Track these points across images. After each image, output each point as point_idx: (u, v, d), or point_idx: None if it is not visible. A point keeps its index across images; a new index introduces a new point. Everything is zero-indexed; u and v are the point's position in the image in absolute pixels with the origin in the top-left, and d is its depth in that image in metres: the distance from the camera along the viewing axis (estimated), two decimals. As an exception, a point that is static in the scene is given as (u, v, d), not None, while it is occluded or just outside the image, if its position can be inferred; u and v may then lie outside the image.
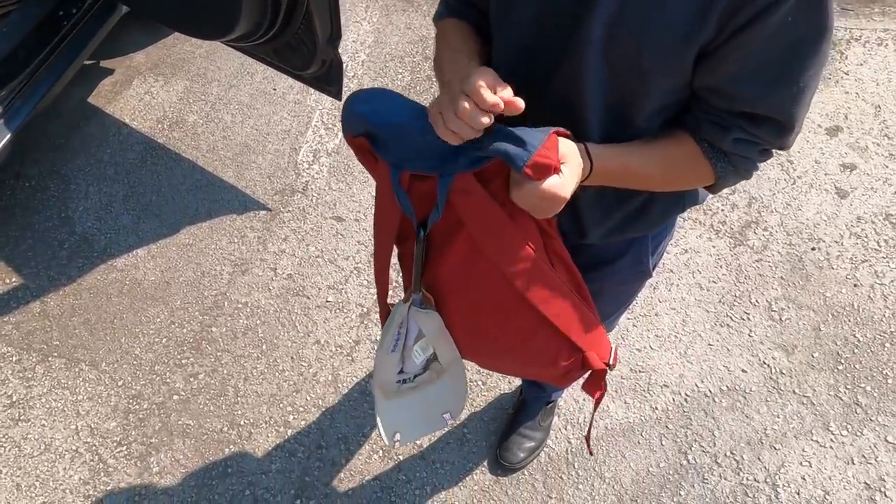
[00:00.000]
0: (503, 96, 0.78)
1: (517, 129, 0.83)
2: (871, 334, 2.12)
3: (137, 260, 2.39)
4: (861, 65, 2.81)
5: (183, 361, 2.15)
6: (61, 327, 2.23)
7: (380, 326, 2.18)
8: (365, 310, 2.24)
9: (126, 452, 1.99)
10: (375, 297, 2.25)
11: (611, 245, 1.14)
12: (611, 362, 1.01)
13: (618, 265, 1.21)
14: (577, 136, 0.96)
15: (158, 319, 2.25)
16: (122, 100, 2.87)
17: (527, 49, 0.95)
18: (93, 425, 2.04)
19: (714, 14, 0.79)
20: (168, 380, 2.12)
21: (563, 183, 0.83)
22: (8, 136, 2.25)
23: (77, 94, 2.87)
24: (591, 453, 1.21)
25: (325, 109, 2.80)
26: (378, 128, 0.89)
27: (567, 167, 0.83)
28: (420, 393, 1.19)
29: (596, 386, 1.03)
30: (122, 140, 2.73)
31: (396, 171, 0.90)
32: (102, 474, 1.95)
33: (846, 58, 2.85)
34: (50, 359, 2.16)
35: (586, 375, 1.06)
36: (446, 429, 1.96)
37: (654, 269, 1.27)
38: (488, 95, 0.77)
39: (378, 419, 1.22)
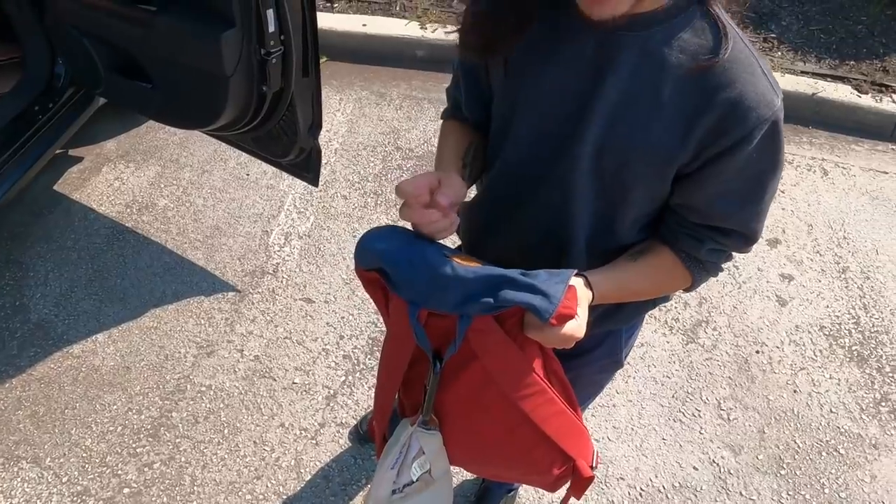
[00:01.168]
0: (438, 195, 0.90)
1: (537, 277, 0.88)
2: (810, 441, 2.13)
3: (96, 345, 2.27)
4: (794, 186, 3.00)
5: (138, 450, 2.00)
6: (3, 423, 2.07)
7: (346, 409, 2.07)
8: (331, 392, 2.12)
9: (67, 555, 1.80)
10: (342, 379, 2.15)
11: (587, 336, 1.16)
12: (594, 465, 1.06)
13: (593, 355, 1.27)
14: (566, 244, 1.07)
15: (115, 407, 2.11)
16: (89, 186, 2.83)
17: (522, 159, 1.03)
18: (31, 527, 1.85)
19: (693, 141, 0.90)
20: (119, 471, 1.95)
21: (580, 324, 0.90)
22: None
23: (43, 181, 2.83)
24: None
25: (297, 194, 2.79)
26: (395, 267, 0.92)
27: (581, 308, 0.90)
28: (409, 502, 1.19)
29: (580, 490, 1.06)
30: (88, 225, 2.67)
31: (415, 308, 0.93)
32: (38, 581, 1.75)
33: (781, 178, 2.97)
34: (-11, 453, 1.99)
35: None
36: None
37: (625, 360, 1.33)
38: (408, 190, 0.89)
39: None
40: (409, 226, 0.95)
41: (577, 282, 0.92)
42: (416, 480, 1.16)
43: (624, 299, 1.06)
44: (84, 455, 1.99)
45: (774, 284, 2.58)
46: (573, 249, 1.06)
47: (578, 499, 1.09)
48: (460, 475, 1.94)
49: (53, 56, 2.50)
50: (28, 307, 2.39)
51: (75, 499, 1.90)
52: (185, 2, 1.82)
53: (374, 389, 2.08)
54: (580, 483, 1.06)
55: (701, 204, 0.98)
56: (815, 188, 2.99)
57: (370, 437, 1.26)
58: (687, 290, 1.10)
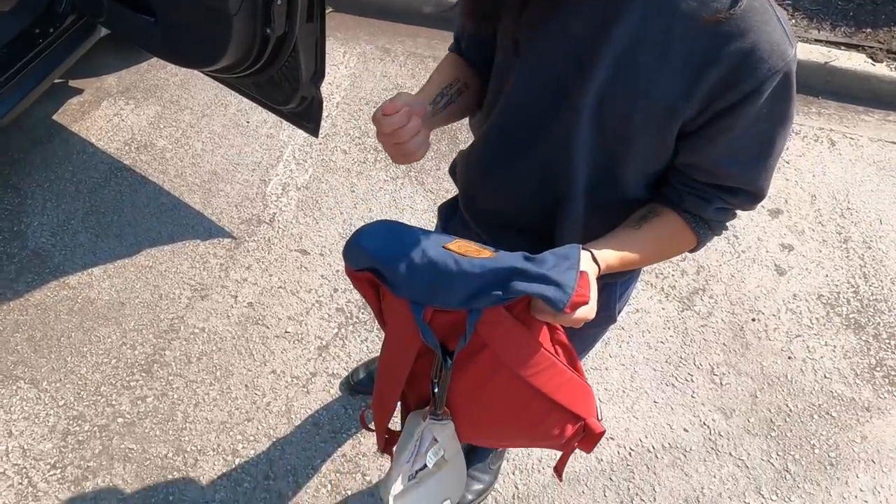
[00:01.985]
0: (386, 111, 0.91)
1: (545, 263, 0.87)
2: (802, 405, 2.23)
3: (92, 279, 2.34)
4: (800, 156, 3.05)
5: (132, 384, 2.09)
6: (2, 343, 2.15)
7: (337, 361, 2.18)
8: (323, 343, 2.23)
9: (60, 476, 1.90)
10: (335, 332, 2.25)
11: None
12: (600, 417, 1.07)
13: None
14: (564, 196, 1.06)
15: (109, 340, 2.19)
16: (89, 120, 2.84)
17: (521, 109, 1.03)
18: (26, 446, 1.94)
19: (699, 93, 0.89)
20: (114, 402, 2.05)
21: (592, 307, 0.89)
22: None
23: (42, 110, 2.84)
24: (560, 478, 1.25)
25: (297, 145, 2.84)
26: (392, 267, 0.90)
27: (592, 293, 0.89)
28: (423, 486, 1.20)
29: (592, 445, 1.08)
30: (87, 159, 2.70)
31: (419, 307, 0.91)
32: (30, 499, 1.85)
33: (787, 149, 3.08)
34: (-12, 373, 2.07)
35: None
36: None
37: (618, 315, 1.34)
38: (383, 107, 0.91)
39: None
40: (401, 219, 0.95)
41: (586, 261, 0.92)
42: (432, 466, 1.18)
43: (629, 267, 1.04)
44: (79, 382, 2.08)
45: (774, 254, 2.64)
46: (571, 201, 1.06)
47: (589, 452, 1.11)
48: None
49: (55, -22, 2.49)
50: (26, 234, 2.43)
51: (71, 422, 1.99)
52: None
53: (365, 344, 2.21)
54: (592, 438, 1.07)
55: (707, 163, 0.97)
56: (820, 159, 3.02)
57: (364, 424, 1.28)
58: (692, 251, 1.10)
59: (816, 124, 3.20)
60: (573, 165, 1.01)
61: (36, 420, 2.00)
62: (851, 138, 3.14)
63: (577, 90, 0.94)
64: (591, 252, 0.95)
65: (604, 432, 1.06)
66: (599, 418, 1.07)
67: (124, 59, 3.10)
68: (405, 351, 0.98)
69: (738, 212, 1.07)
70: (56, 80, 2.76)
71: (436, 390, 1.00)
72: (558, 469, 1.17)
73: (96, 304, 2.27)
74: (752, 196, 1.01)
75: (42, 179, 2.61)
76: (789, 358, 2.34)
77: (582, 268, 0.89)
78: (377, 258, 0.90)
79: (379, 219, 0.98)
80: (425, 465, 1.16)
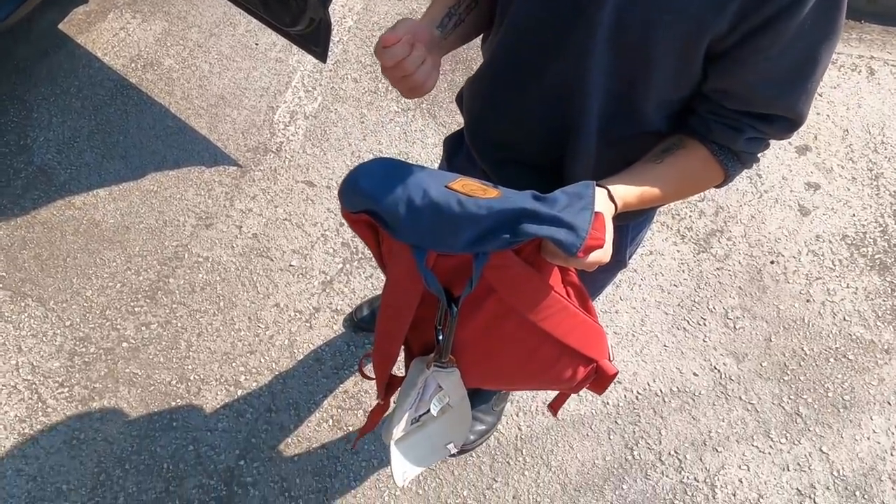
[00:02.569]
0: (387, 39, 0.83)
1: (557, 203, 0.81)
2: (818, 349, 2.21)
3: (97, 200, 2.31)
4: (834, 88, 2.89)
5: (136, 309, 2.09)
6: (10, 259, 2.14)
7: (342, 296, 2.16)
8: (328, 278, 2.21)
9: (67, 394, 1.93)
10: (340, 267, 2.23)
11: None
12: (611, 358, 1.03)
13: None
14: (576, 126, 0.97)
15: (114, 264, 2.17)
16: (95, 32, 2.74)
17: (532, 28, 0.93)
18: (35, 363, 1.97)
19: (731, 7, 0.78)
20: (119, 326, 2.05)
21: (607, 250, 0.82)
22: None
23: (47, 19, 2.74)
24: (555, 416, 1.23)
25: (306, 71, 2.74)
26: (392, 209, 0.83)
27: (608, 234, 0.83)
28: (426, 430, 1.18)
29: (604, 387, 1.04)
30: (93, 74, 2.62)
31: (421, 252, 0.85)
32: (41, 413, 1.89)
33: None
34: (-6, 292, 2.07)
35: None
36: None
37: (629, 260, 1.28)
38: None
39: (392, 463, 1.20)
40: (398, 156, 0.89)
41: (601, 200, 0.85)
42: (436, 412, 1.16)
43: (648, 206, 0.97)
44: (85, 304, 2.08)
45: (798, 193, 2.55)
46: (583, 132, 0.98)
47: (601, 394, 1.08)
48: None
49: None
50: (31, 149, 2.39)
51: (78, 343, 2.01)
52: None
53: (369, 280, 2.19)
54: (604, 380, 1.03)
55: (740, 87, 0.87)
56: (857, 90, 2.87)
57: (362, 373, 1.24)
58: (719, 186, 1.01)
59: (856, 52, 2.99)
60: (586, 91, 0.92)
61: (44, 338, 2.01)
62: (893, 66, 2.93)
63: (594, 3, 0.84)
64: (606, 189, 0.88)
65: (616, 374, 1.02)
66: (611, 359, 1.03)
67: (130, -30, 2.97)
68: (407, 298, 0.93)
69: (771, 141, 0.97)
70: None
71: (440, 338, 0.96)
72: (554, 407, 1.14)
73: (101, 226, 2.25)
74: (789, 123, 0.90)
75: (48, 93, 2.54)
76: (808, 301, 2.30)
77: (597, 208, 0.82)
78: (375, 200, 0.84)
79: (377, 157, 0.91)
80: (429, 411, 1.14)
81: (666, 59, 0.86)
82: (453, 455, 1.25)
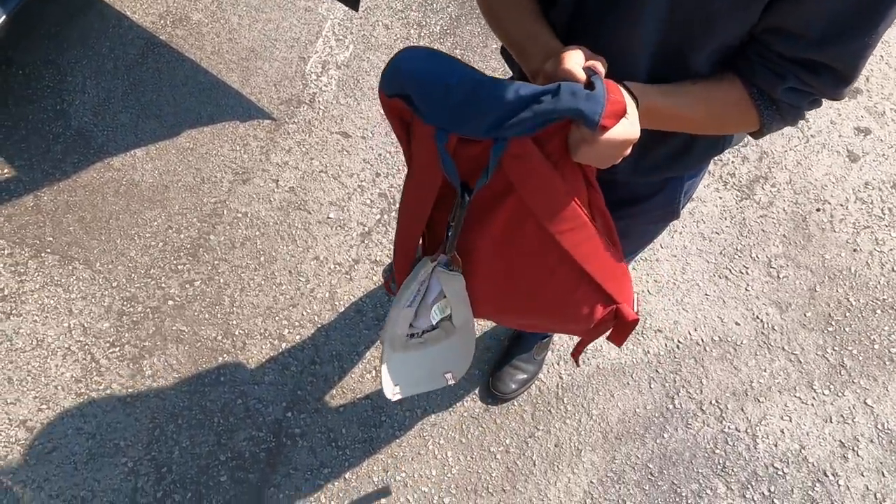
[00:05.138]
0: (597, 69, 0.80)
1: (573, 84, 0.78)
2: (864, 300, 2.14)
3: (135, 160, 2.33)
4: (891, 27, 2.72)
5: (179, 267, 2.13)
6: (55, 223, 2.19)
7: (380, 248, 2.17)
8: (366, 229, 2.21)
9: (119, 354, 1.99)
10: (378, 218, 2.22)
11: (646, 183, 1.11)
12: (636, 309, 1.00)
13: (650, 203, 1.19)
14: (622, 77, 0.92)
15: (155, 223, 2.21)
16: (122, -11, 2.72)
17: None
18: (86, 325, 2.03)
19: None
20: (163, 284, 2.10)
21: (633, 124, 0.79)
22: (3, 17, 2.13)
23: (75, -22, 2.72)
24: (577, 364, 1.23)
25: (336, 19, 2.68)
26: (426, 88, 0.83)
27: (629, 106, 0.80)
28: (426, 349, 1.17)
29: (623, 336, 1.02)
30: (123, 34, 2.61)
31: (443, 134, 0.84)
32: (95, 374, 1.96)
33: None
34: (43, 255, 2.13)
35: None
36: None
37: (682, 210, 1.25)
38: (573, 67, 0.80)
39: (383, 370, 1.21)
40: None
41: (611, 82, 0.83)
42: (436, 326, 1.14)
43: (672, 126, 0.95)
44: (130, 265, 2.13)
45: (847, 139, 2.44)
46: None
47: (620, 345, 1.06)
48: (489, 321, 2.08)
49: None
50: (69, 113, 2.41)
51: (125, 303, 2.06)
52: None
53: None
54: (623, 328, 1.01)
55: (796, 25, 0.82)
56: None
57: (387, 287, 1.24)
58: (755, 135, 0.97)
59: None
60: (639, 48, 0.89)
61: (93, 300, 2.07)
62: None
63: None
64: (624, 85, 0.85)
65: (637, 321, 0.99)
66: (636, 310, 1.00)
67: (154, -78, 2.91)
68: (427, 185, 0.92)
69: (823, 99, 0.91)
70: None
71: (449, 232, 0.95)
72: (575, 353, 1.12)
73: (140, 186, 2.28)
74: (838, 77, 0.86)
75: (80, 56, 2.55)
76: (854, 250, 2.23)
77: (608, 81, 0.80)
78: (415, 78, 0.84)
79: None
80: (433, 327, 1.12)
81: (727, 13, 0.82)
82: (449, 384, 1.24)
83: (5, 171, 2.27)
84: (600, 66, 0.81)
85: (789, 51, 0.85)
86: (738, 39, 0.88)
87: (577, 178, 0.88)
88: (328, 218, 2.23)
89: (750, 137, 1.02)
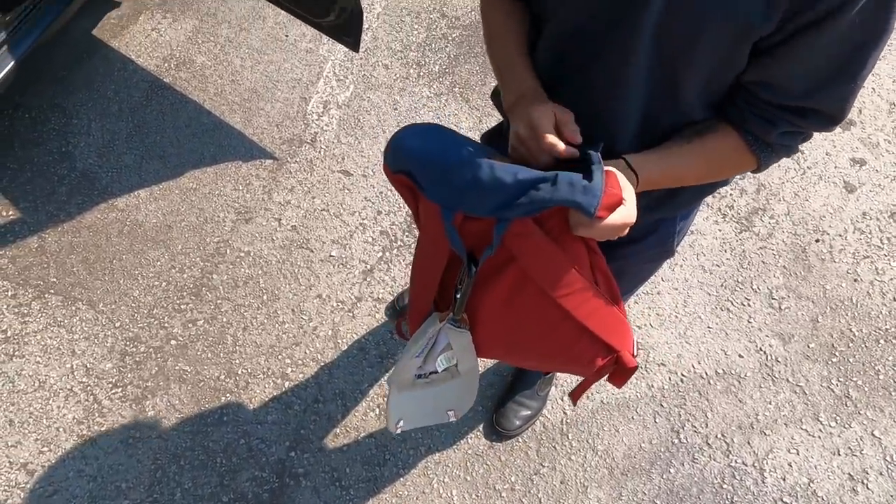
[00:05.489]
0: (567, 134, 0.87)
1: (571, 175, 0.83)
2: (867, 330, 2.14)
3: (139, 201, 2.35)
4: (881, 59, 2.77)
5: (182, 307, 2.13)
6: (59, 264, 2.20)
7: (383, 285, 2.17)
8: (368, 267, 2.22)
9: (121, 394, 1.98)
10: (379, 255, 2.24)
11: (639, 224, 1.12)
12: (635, 353, 1.03)
13: (644, 244, 1.21)
14: (616, 116, 0.96)
15: (158, 263, 2.22)
16: (128, 35, 2.78)
17: (578, 30, 0.93)
18: (88, 365, 2.03)
19: (780, 9, 0.78)
20: (166, 324, 2.10)
21: (630, 210, 0.84)
22: (12, 63, 2.18)
23: (82, 25, 2.78)
24: (574, 404, 1.25)
25: (337, 60, 2.73)
26: (428, 167, 0.88)
27: (626, 193, 0.84)
28: (432, 389, 1.20)
29: (623, 380, 1.04)
30: (127, 77, 2.66)
31: (449, 212, 0.88)
32: (97, 415, 1.95)
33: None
34: (46, 295, 2.14)
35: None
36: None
37: (676, 248, 1.27)
38: (554, 141, 0.87)
39: (388, 407, 1.24)
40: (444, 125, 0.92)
41: (615, 165, 0.88)
42: (442, 371, 1.17)
43: (675, 184, 0.98)
44: (133, 305, 2.14)
45: (843, 170, 2.48)
46: (625, 128, 0.97)
47: (620, 388, 1.10)
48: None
49: None
50: (74, 155, 2.44)
51: (128, 343, 2.06)
52: None
53: (410, 268, 2.19)
54: (623, 373, 1.03)
55: (781, 79, 0.86)
56: None
57: (399, 333, 1.29)
58: (755, 172, 1.00)
59: None
60: (630, 86, 0.92)
61: (96, 340, 2.07)
62: None
63: (640, 2, 0.83)
64: (624, 159, 0.90)
65: (636, 368, 1.02)
66: (635, 354, 1.03)
67: (159, -31, 2.99)
68: (436, 257, 0.98)
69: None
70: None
71: (458, 295, 0.99)
72: (574, 395, 1.15)
73: (144, 226, 2.29)
74: (827, 118, 0.89)
75: (85, 98, 2.59)
76: (855, 280, 2.24)
77: (607, 168, 0.85)
78: (415, 158, 0.89)
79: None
80: (437, 371, 1.17)
81: (709, 60, 0.86)
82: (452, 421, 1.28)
83: (10, 212, 2.29)
84: (578, 136, 0.87)
85: (777, 99, 0.89)
86: (727, 85, 0.91)
87: (579, 248, 0.92)
88: (330, 256, 2.25)
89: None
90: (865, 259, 2.29)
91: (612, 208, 0.82)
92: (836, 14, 0.76)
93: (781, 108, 0.89)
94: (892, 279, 2.24)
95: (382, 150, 2.48)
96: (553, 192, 0.82)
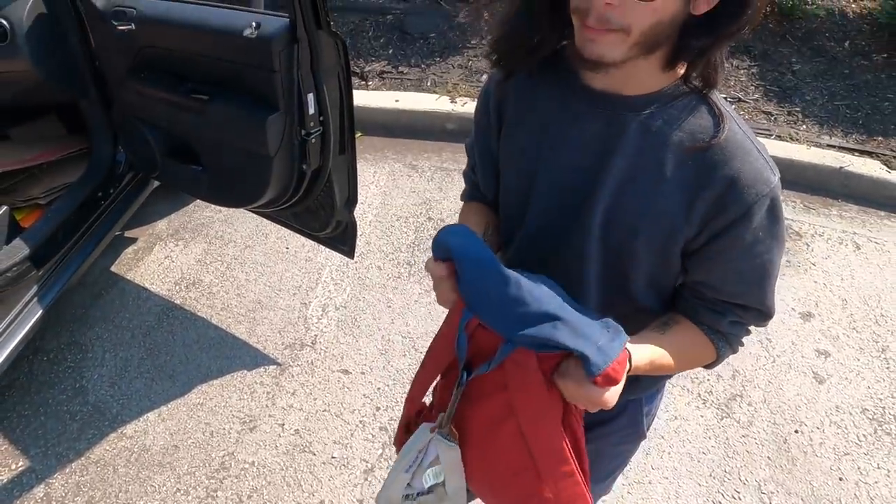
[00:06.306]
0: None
1: (594, 327, 0.88)
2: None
3: (147, 424, 2.39)
4: (826, 258, 2.96)
5: (185, 530, 2.09)
6: (63, 505, 2.19)
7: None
8: (369, 465, 2.18)
9: None
10: (379, 453, 2.20)
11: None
12: None
13: (615, 424, 1.26)
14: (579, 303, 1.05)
15: (164, 488, 2.21)
16: (143, 266, 3.00)
17: (534, 235, 1.09)
18: None
19: (697, 214, 0.94)
20: (169, 551, 2.04)
21: (616, 392, 0.89)
22: (40, 313, 2.33)
23: (100, 263, 3.02)
24: None
25: (334, 266, 2.90)
26: (462, 265, 0.94)
27: (623, 377, 0.89)
28: None
29: None
30: (141, 304, 2.83)
31: (468, 313, 0.94)
32: None
33: (812, 249, 3.02)
34: (52, 533, 2.11)
35: None
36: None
37: (647, 431, 1.31)
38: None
39: None
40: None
41: (628, 349, 0.93)
42: (429, 491, 1.16)
43: (656, 372, 1.05)
44: (137, 534, 2.09)
45: (810, 360, 2.54)
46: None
47: None
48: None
49: (115, 145, 2.67)
50: (87, 389, 2.53)
51: (129, 578, 1.99)
52: (234, 90, 1.96)
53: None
54: None
55: (715, 280, 1.02)
56: (847, 262, 2.94)
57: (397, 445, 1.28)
58: (710, 366, 1.11)
59: (839, 227, 3.13)
60: (586, 280, 1.06)
61: (98, 576, 2.00)
62: (877, 243, 3.05)
63: (585, 211, 1.00)
64: (626, 350, 0.95)
65: None
66: None
67: (172, 204, 3.29)
68: (444, 349, 1.01)
69: (761, 328, 1.09)
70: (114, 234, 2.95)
71: (449, 404, 1.01)
72: None
73: (151, 450, 2.31)
74: (761, 314, 1.04)
75: (101, 331, 2.74)
76: (840, 479, 2.17)
77: (626, 349, 0.90)
78: (454, 252, 0.94)
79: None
80: (426, 491, 1.14)
81: (648, 255, 1.00)
82: None
83: (20, 463, 2.29)
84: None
85: (717, 295, 1.03)
86: (672, 279, 1.06)
87: (558, 394, 0.92)
88: (332, 458, 2.22)
89: None
90: (846, 456, 2.24)
91: (609, 382, 0.85)
92: (739, 224, 0.93)
93: (724, 302, 1.03)
94: (876, 482, 2.17)
95: (379, 346, 2.54)
96: (570, 338, 0.85)
